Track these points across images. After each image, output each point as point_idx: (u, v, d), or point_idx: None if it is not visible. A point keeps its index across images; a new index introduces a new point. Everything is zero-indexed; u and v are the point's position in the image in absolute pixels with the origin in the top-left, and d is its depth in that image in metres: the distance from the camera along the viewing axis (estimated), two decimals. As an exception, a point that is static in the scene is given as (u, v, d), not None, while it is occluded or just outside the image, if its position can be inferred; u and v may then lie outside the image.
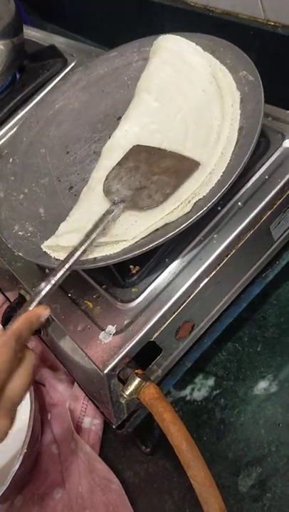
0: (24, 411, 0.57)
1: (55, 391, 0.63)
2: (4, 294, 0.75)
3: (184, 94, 0.48)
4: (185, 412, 0.57)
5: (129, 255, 0.43)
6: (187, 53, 0.50)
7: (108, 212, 0.44)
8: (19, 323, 0.37)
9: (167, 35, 0.53)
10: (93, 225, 0.43)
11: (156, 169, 0.45)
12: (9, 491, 0.52)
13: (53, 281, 0.40)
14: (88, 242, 0.42)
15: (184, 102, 0.47)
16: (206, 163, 0.44)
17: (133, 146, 0.47)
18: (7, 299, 0.74)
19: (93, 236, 0.43)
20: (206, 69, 0.49)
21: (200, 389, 0.58)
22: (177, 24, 0.78)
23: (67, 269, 0.41)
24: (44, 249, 0.47)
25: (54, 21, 1.23)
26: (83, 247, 0.42)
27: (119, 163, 0.47)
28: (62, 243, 0.45)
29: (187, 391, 0.58)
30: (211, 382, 0.58)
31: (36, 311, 0.38)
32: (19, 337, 0.36)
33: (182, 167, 0.45)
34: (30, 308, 0.39)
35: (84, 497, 0.55)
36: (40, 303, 0.39)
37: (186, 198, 0.44)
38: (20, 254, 0.48)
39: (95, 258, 0.44)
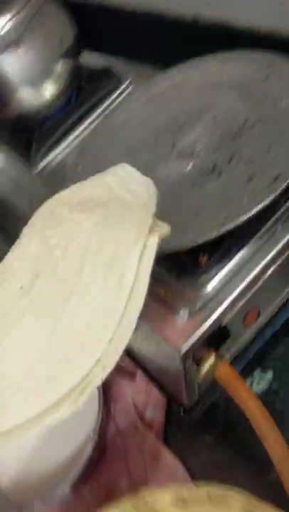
0: (92, 401, 0.60)
1: (117, 385, 0.65)
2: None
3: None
4: (246, 404, 0.59)
5: (200, 241, 0.46)
6: None
7: None
8: None
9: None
10: None
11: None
12: (78, 479, 0.55)
13: None
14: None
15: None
16: None
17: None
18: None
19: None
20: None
21: (259, 382, 0.60)
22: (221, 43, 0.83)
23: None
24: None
25: (88, 46, 1.29)
26: None
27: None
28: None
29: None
30: (269, 375, 0.60)
31: None
32: None
33: None
34: None
35: (150, 487, 0.57)
36: None
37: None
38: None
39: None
